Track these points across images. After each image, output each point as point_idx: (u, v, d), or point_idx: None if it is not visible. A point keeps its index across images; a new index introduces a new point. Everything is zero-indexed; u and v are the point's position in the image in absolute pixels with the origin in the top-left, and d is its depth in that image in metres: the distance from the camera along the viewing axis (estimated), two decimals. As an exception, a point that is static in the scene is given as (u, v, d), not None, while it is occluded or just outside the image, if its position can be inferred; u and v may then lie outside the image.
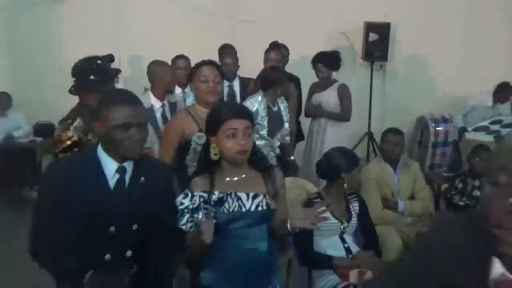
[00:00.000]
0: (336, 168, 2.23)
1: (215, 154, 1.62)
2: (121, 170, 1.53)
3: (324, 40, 4.83)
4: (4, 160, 4.35)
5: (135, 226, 1.57)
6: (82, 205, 1.47)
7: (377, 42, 4.82)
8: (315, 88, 3.77)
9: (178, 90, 3.46)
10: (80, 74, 2.32)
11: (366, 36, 4.83)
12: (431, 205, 2.97)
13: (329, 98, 3.62)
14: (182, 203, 1.60)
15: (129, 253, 1.57)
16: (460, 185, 3.14)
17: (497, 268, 0.96)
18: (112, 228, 1.55)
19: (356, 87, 4.58)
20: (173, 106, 3.16)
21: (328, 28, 4.90)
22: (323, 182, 2.53)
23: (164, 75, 3.09)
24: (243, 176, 1.67)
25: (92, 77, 2.31)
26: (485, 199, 1.02)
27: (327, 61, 3.61)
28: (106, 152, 1.52)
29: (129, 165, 1.53)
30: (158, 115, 3.09)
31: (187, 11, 4.68)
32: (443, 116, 4.84)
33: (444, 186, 3.19)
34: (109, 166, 1.52)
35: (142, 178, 1.56)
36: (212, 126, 1.62)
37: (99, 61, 2.39)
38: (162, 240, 1.61)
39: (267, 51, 3.63)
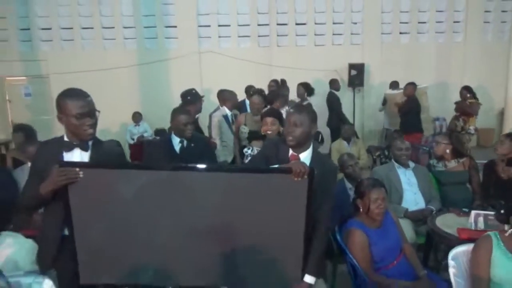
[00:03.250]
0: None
1: (263, 132, 3.10)
2: (181, 142, 2.98)
3: (323, 75, 7.81)
4: (139, 148, 7.49)
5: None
6: (167, 157, 2.92)
7: (356, 75, 7.65)
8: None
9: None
10: (184, 96, 4.18)
11: (349, 72, 7.68)
12: (368, 162, 5.33)
13: None
14: (246, 151, 3.24)
15: None
16: (386, 152, 5.19)
17: (290, 151, 2.00)
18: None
19: (345, 103, 7.52)
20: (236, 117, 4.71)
21: (325, 68, 7.80)
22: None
23: (230, 97, 4.93)
24: None
25: (189, 97, 4.12)
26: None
27: (307, 87, 6.08)
28: (175, 134, 2.99)
29: (185, 140, 2.97)
30: (230, 119, 4.76)
31: (241, 62, 7.77)
32: (400, 119, 7.64)
33: (376, 154, 5.49)
34: (176, 140, 2.99)
35: (192, 144, 2.99)
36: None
37: (194, 91, 4.28)
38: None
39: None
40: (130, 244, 1.85)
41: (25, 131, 4.73)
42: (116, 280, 1.91)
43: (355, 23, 8.04)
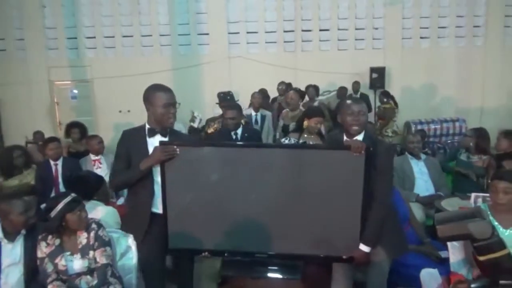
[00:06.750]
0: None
1: (305, 126, 3.50)
2: (235, 133, 3.69)
3: (346, 78, 8.22)
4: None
5: None
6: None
7: (378, 78, 8.04)
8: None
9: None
10: (220, 98, 5.01)
11: (371, 75, 8.08)
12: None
13: None
14: (284, 141, 3.69)
15: None
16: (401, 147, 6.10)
17: (345, 138, 2.26)
18: None
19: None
20: (262, 117, 5.28)
21: (348, 71, 8.22)
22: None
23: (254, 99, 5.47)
24: (312, 136, 3.43)
25: (225, 98, 5.10)
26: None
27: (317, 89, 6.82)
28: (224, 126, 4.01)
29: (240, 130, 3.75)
30: (253, 119, 5.27)
31: (267, 66, 8.35)
32: (420, 120, 7.97)
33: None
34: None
35: (246, 134, 3.72)
36: (304, 117, 3.52)
37: (230, 92, 5.13)
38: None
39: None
40: (213, 214, 2.12)
41: (80, 128, 5.46)
42: (199, 246, 2.18)
43: (377, 29, 8.44)
